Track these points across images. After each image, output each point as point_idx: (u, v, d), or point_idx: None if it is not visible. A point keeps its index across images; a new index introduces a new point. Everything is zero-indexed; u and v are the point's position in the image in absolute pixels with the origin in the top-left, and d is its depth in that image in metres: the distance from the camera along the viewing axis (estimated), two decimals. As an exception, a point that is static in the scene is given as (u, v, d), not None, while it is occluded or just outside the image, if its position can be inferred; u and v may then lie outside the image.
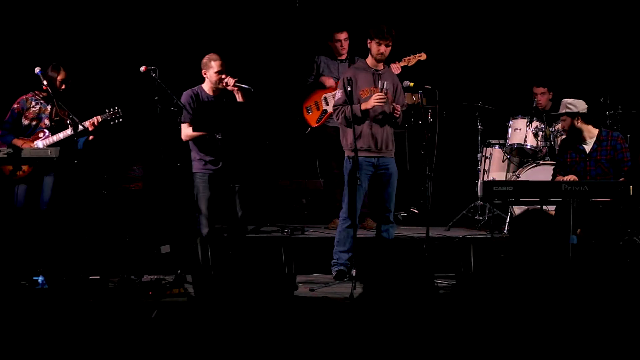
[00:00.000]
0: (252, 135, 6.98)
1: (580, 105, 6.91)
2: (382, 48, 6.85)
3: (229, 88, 6.79)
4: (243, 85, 6.78)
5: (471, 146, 9.22)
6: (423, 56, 8.02)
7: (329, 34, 8.33)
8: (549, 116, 8.65)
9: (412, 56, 7.99)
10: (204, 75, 6.87)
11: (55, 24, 8.72)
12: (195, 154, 6.84)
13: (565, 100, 7.01)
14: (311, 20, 9.24)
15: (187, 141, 6.84)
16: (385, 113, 6.91)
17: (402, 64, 7.91)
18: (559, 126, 8.41)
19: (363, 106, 6.77)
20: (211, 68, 6.81)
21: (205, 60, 6.85)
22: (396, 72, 7.58)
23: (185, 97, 6.81)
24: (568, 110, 6.90)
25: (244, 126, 6.68)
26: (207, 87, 6.88)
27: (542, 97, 8.94)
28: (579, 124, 6.89)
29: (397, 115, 6.89)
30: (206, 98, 6.84)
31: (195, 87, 6.89)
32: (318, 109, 8.30)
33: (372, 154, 6.89)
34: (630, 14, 9.21)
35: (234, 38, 9.05)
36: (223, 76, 6.79)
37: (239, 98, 6.81)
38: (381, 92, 6.78)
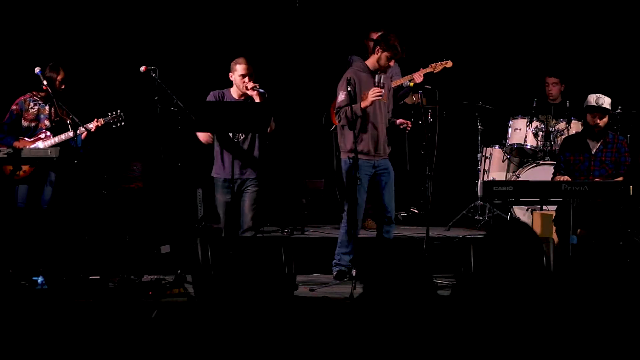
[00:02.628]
0: (260, 135, 6.91)
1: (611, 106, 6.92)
2: (392, 63, 6.90)
3: (248, 92, 6.72)
4: (260, 90, 6.71)
5: (471, 146, 9.22)
6: (449, 64, 7.99)
7: (364, 32, 8.27)
8: (557, 109, 8.64)
9: (438, 63, 7.96)
10: (231, 78, 6.80)
11: (55, 24, 8.72)
12: (216, 157, 6.78)
13: (604, 97, 6.83)
14: (345, 20, 9.18)
15: (206, 144, 6.80)
16: (382, 115, 6.91)
17: (428, 70, 7.89)
18: (559, 126, 8.41)
19: (363, 104, 6.77)
20: (236, 71, 6.73)
21: (232, 63, 6.78)
22: (418, 80, 7.60)
23: (210, 97, 6.76)
24: (610, 109, 6.84)
25: (249, 127, 6.61)
26: (234, 90, 6.82)
27: (554, 87, 8.89)
28: (608, 123, 6.88)
29: (408, 130, 6.95)
30: (230, 100, 6.79)
31: (224, 89, 6.83)
32: None
33: (370, 156, 6.89)
34: (630, 14, 9.21)
35: (232, 38, 9.04)
36: (246, 80, 6.73)
37: (256, 99, 6.75)
38: (377, 86, 6.77)
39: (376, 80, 6.81)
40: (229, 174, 6.62)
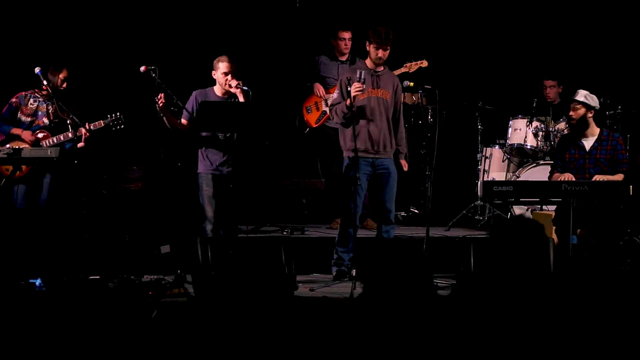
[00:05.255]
0: (253, 135, 6.96)
1: (595, 101, 6.89)
2: (380, 52, 6.85)
3: (232, 90, 6.80)
4: (244, 87, 6.80)
5: (471, 146, 9.22)
6: (424, 63, 8.01)
7: (333, 32, 8.31)
8: (556, 110, 8.65)
9: (413, 63, 7.98)
10: (214, 77, 6.89)
11: (56, 24, 8.72)
12: (201, 154, 6.86)
13: (582, 90, 6.91)
14: (313, 20, 9.23)
15: (192, 142, 6.83)
16: (382, 114, 6.92)
17: (403, 70, 7.90)
18: (559, 126, 8.42)
19: (348, 101, 6.78)
20: (218, 69, 6.84)
21: (215, 61, 6.88)
22: None
23: (193, 95, 6.86)
24: (586, 101, 6.85)
25: (244, 126, 6.65)
26: (217, 88, 6.90)
27: (552, 90, 8.94)
28: (589, 118, 6.87)
29: (405, 170, 7.07)
30: (214, 99, 6.84)
31: (207, 88, 6.92)
32: (318, 109, 8.30)
33: (369, 154, 6.89)
34: (630, 14, 9.21)
35: (233, 37, 9.05)
36: (229, 78, 6.80)
37: (241, 99, 6.82)
38: (358, 82, 6.78)
39: (357, 75, 6.82)
40: (214, 170, 6.75)
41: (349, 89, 6.75)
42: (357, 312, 3.20)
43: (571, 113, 6.90)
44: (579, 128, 6.89)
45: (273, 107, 6.76)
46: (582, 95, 6.87)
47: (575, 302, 3.40)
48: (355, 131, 6.79)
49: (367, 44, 6.91)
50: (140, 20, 9.00)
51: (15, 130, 7.13)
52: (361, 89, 6.75)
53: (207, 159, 6.83)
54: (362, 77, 6.80)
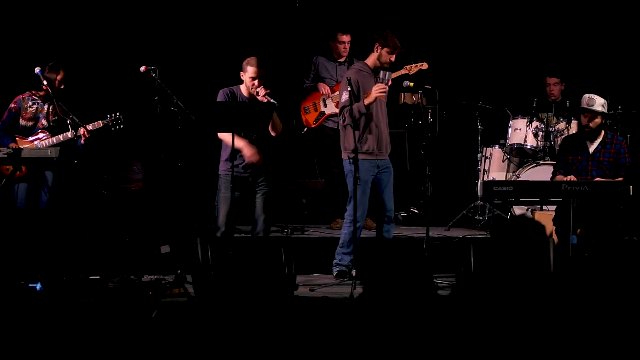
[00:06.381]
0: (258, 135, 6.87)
1: (606, 107, 6.89)
2: (393, 57, 6.89)
3: (259, 98, 6.62)
4: (271, 100, 6.58)
5: (471, 146, 9.22)
6: (425, 65, 8.00)
7: (331, 34, 8.31)
8: (557, 107, 8.64)
9: (413, 65, 7.97)
10: (242, 77, 6.71)
11: (55, 24, 8.73)
12: (223, 155, 6.71)
13: (597, 98, 6.83)
14: (311, 20, 9.24)
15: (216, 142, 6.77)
16: (383, 115, 6.92)
17: (402, 72, 7.90)
18: (559, 126, 8.41)
19: (366, 101, 6.76)
20: (247, 72, 6.65)
21: (244, 62, 6.70)
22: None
23: (221, 95, 6.68)
24: (604, 111, 6.83)
25: (259, 127, 6.55)
26: (244, 88, 6.73)
27: (555, 87, 8.92)
28: (601, 124, 6.87)
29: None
30: (240, 99, 6.74)
31: (234, 86, 6.74)
32: (316, 109, 8.31)
33: (374, 156, 6.89)
34: (630, 14, 9.21)
35: (233, 37, 9.06)
36: (256, 83, 6.64)
37: None
38: (380, 82, 6.77)
39: (380, 77, 6.81)
40: (235, 172, 6.59)
41: (348, 88, 6.74)
42: (357, 312, 3.20)
43: (587, 122, 6.82)
44: (592, 134, 6.86)
45: (274, 107, 6.72)
46: (599, 105, 6.78)
47: (575, 302, 3.40)
48: (363, 133, 6.79)
49: (378, 46, 6.88)
50: (140, 20, 9.00)
51: (15, 146, 7.11)
52: (385, 90, 6.75)
53: (230, 159, 6.56)
54: (387, 78, 6.80)
